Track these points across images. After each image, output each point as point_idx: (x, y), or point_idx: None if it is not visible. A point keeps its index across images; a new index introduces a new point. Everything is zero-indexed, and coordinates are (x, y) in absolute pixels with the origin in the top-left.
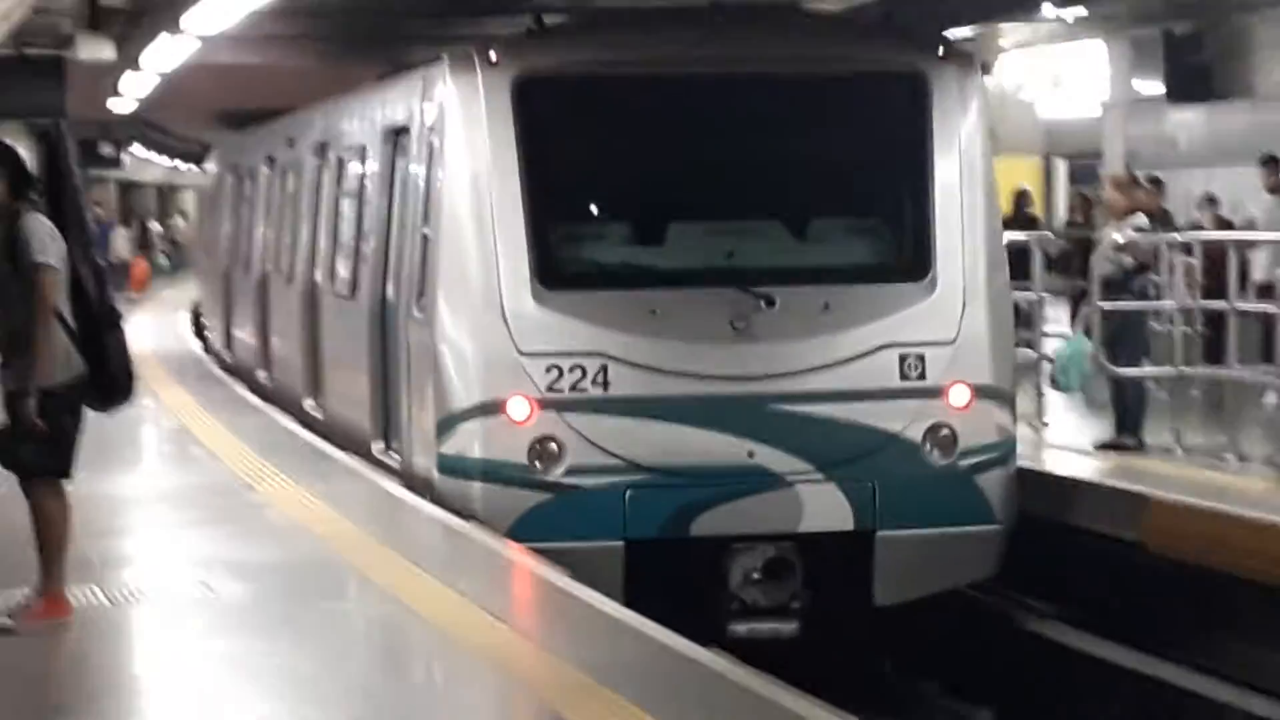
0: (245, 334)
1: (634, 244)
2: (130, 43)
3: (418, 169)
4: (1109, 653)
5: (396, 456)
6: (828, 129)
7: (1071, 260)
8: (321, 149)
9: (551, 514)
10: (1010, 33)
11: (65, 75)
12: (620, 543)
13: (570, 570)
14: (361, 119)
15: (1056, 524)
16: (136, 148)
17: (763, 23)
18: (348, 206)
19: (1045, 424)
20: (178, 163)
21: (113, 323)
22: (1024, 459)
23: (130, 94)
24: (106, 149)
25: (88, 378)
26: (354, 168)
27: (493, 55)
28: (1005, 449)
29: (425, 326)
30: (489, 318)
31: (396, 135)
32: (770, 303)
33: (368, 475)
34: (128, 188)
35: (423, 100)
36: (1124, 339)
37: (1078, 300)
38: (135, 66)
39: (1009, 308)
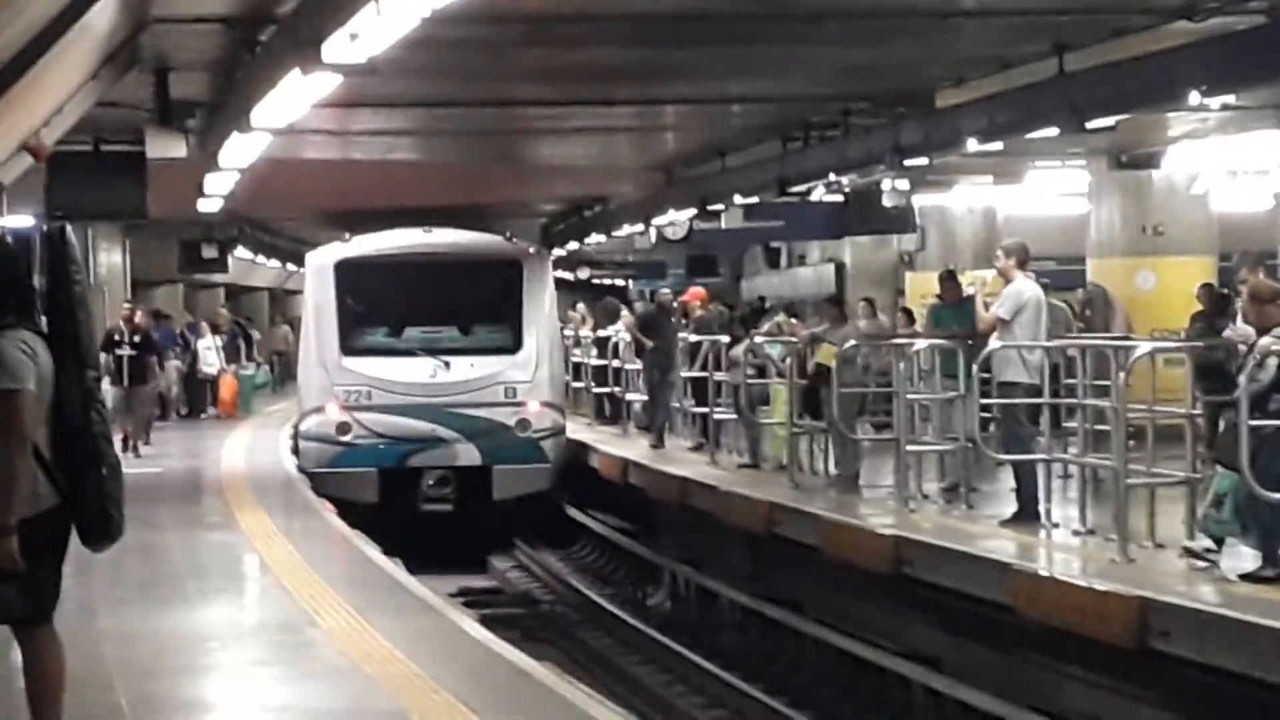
0: None
1: (387, 336)
2: (210, 137)
3: (305, 300)
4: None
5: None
6: (479, 284)
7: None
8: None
9: (344, 457)
10: (1177, 123)
11: (145, 172)
12: (375, 469)
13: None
14: (306, 269)
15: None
16: (241, 250)
17: (455, 236)
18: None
19: (1212, 560)
20: (289, 266)
21: (92, 460)
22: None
23: (215, 192)
24: (209, 252)
25: (60, 510)
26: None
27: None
28: (556, 429)
29: (300, 372)
30: (318, 368)
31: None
32: (447, 364)
33: (446, 612)
34: (236, 293)
35: (306, 268)
36: (1260, 461)
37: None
38: (214, 164)
39: (561, 367)
